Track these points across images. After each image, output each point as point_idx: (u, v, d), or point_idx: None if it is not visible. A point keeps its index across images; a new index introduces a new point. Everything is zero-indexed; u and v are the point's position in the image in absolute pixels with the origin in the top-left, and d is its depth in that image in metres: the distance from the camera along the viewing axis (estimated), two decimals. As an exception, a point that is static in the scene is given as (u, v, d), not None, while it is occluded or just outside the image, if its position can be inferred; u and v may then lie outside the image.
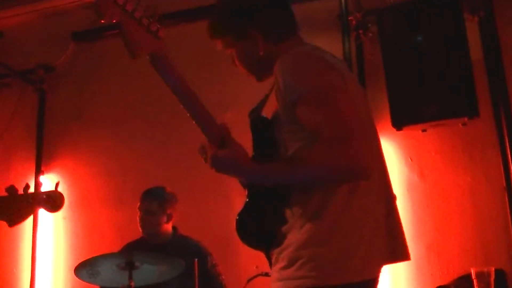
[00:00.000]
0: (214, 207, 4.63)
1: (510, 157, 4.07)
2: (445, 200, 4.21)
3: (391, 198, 2.02)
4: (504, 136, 4.12)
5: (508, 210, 4.02)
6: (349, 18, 4.42)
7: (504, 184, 4.07)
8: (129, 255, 3.45)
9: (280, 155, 1.94)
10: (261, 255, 4.37)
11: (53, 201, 2.33)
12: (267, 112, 2.07)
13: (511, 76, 4.22)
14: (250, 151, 2.02)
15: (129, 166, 5.00)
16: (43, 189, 2.39)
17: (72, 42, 5.37)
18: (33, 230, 5.03)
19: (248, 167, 1.92)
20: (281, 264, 1.87)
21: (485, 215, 4.09)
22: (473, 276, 3.47)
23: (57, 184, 2.40)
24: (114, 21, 1.85)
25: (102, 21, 1.83)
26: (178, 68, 2.00)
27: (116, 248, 4.15)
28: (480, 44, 4.26)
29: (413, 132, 4.12)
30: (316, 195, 1.84)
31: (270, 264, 2.00)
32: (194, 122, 2.00)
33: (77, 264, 3.48)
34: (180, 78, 2.00)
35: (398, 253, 1.97)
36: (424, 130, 4.06)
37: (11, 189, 2.34)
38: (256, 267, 4.21)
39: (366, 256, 1.82)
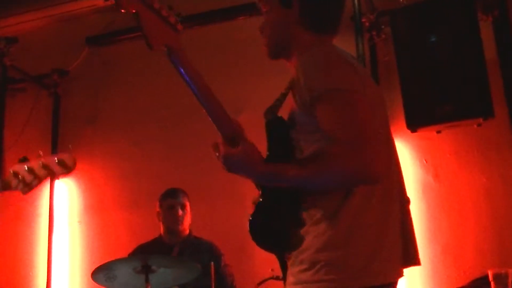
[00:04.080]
0: (228, 210, 4.63)
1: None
2: (461, 201, 4.19)
3: (405, 202, 2.02)
4: (519, 136, 4.10)
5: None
6: (362, 20, 4.40)
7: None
8: (145, 258, 3.46)
9: (294, 156, 1.92)
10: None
11: (64, 163, 2.34)
12: (283, 112, 2.04)
13: (526, 76, 4.19)
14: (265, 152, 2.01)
15: (143, 169, 5.02)
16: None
17: (86, 46, 5.40)
18: (48, 234, 5.06)
19: (259, 168, 1.89)
20: (299, 267, 1.86)
21: (501, 216, 4.07)
22: (490, 278, 3.45)
23: (69, 149, 2.42)
24: (133, 11, 1.84)
25: (122, 11, 1.83)
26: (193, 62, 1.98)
27: (131, 251, 4.16)
28: (494, 43, 4.23)
29: (428, 133, 4.11)
30: (332, 198, 1.84)
31: (282, 267, 2.00)
32: (209, 119, 1.97)
33: (93, 267, 3.49)
34: (195, 72, 1.96)
35: (411, 258, 1.97)
36: (438, 132, 4.04)
37: (24, 159, 2.36)
38: (272, 269, 4.21)
39: (385, 260, 1.82)
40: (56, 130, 5.36)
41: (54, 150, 5.26)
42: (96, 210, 5.07)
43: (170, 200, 4.15)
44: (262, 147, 4.60)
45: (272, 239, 2.00)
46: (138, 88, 5.24)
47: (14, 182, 2.33)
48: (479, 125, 3.91)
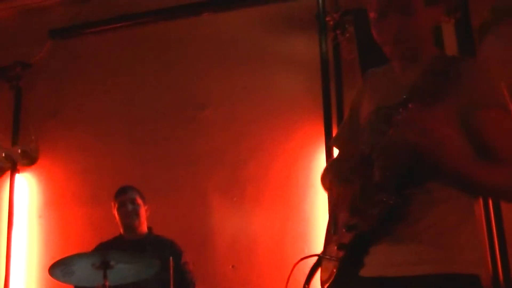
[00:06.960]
0: (190, 206, 4.63)
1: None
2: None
3: None
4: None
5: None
6: (327, 18, 4.43)
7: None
8: (104, 254, 3.44)
9: None
10: (236, 254, 4.39)
11: (28, 154, 2.34)
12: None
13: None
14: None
15: (106, 164, 4.97)
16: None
17: (49, 39, 5.32)
18: (7, 228, 4.98)
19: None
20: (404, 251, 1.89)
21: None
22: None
23: (32, 140, 2.39)
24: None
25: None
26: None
27: (92, 247, 4.14)
28: (455, 45, 4.28)
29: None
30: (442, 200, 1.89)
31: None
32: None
33: (51, 263, 3.47)
34: None
35: None
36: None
37: None
38: (232, 266, 4.23)
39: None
40: (17, 124, 5.25)
41: (15, 145, 5.18)
42: (57, 205, 5.00)
43: (120, 198, 4.16)
44: (227, 143, 4.57)
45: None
46: (102, 83, 5.18)
47: None
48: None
